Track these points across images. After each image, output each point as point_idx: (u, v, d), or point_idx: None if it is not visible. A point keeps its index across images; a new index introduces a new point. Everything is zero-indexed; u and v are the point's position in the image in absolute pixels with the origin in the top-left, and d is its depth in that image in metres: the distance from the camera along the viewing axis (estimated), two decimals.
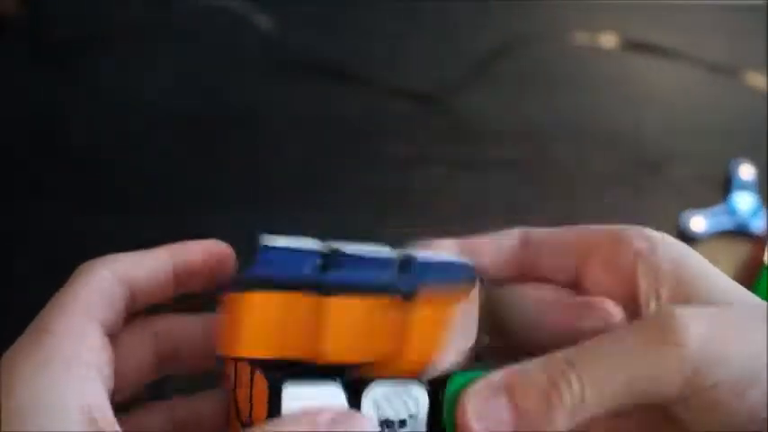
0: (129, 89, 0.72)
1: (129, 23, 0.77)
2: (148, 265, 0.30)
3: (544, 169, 0.67)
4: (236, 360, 0.28)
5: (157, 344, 0.31)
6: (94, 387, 0.26)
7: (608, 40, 0.74)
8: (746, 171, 0.66)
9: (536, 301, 0.30)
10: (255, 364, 0.26)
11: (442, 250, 0.30)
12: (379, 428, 0.26)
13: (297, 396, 0.25)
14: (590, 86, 0.74)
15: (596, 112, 0.72)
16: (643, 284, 0.28)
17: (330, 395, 0.26)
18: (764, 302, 0.27)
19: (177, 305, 0.32)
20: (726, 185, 0.66)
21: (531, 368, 0.26)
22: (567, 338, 0.27)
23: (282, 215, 0.61)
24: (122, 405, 0.29)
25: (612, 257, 0.29)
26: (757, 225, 0.63)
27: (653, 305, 0.28)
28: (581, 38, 0.74)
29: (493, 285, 0.30)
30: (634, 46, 0.73)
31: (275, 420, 0.25)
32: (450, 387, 0.27)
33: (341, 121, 0.71)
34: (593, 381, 0.25)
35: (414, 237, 0.30)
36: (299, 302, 0.25)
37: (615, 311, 0.29)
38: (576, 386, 0.25)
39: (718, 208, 0.64)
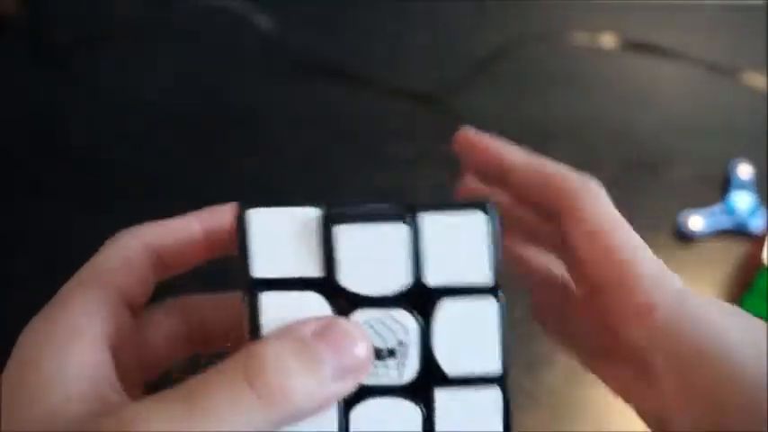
0: (129, 89, 0.72)
1: (129, 23, 0.77)
2: (177, 231, 0.30)
3: None
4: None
5: (187, 321, 0.31)
6: (98, 355, 0.26)
7: (608, 40, 0.74)
8: (745, 171, 0.66)
9: None
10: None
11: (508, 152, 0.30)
12: (365, 329, 0.26)
13: (276, 304, 0.25)
14: (590, 86, 0.74)
15: (596, 112, 0.72)
16: (666, 382, 0.27)
17: (311, 302, 0.25)
18: None
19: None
20: (724, 185, 0.66)
21: None
22: None
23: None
24: (152, 384, 0.29)
25: (630, 319, 0.28)
26: (756, 224, 0.64)
27: (682, 420, 0.27)
28: (581, 38, 0.74)
29: None
30: (634, 46, 0.73)
31: (262, 339, 0.25)
32: None
33: (341, 121, 0.71)
34: None
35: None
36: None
37: None
38: None
39: (717, 207, 0.64)
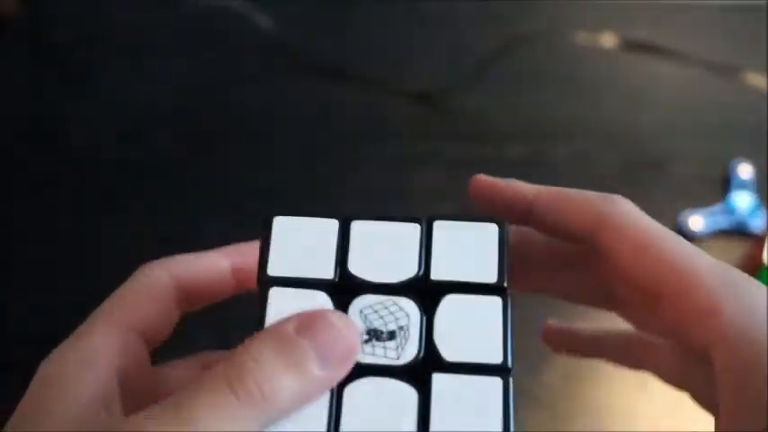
0: (129, 89, 0.72)
1: (129, 23, 0.77)
2: (205, 266, 0.31)
3: (544, 169, 0.67)
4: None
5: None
6: (106, 385, 0.27)
7: (608, 40, 0.74)
8: (745, 171, 0.66)
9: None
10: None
11: (521, 191, 0.30)
12: (362, 327, 0.26)
13: (283, 299, 0.26)
14: (590, 86, 0.74)
15: (596, 112, 0.72)
16: (722, 388, 0.26)
17: (316, 300, 0.26)
18: None
19: None
20: (725, 185, 0.66)
21: None
22: None
23: (282, 215, 0.61)
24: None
25: (689, 323, 0.27)
26: (756, 224, 0.64)
27: (731, 421, 0.26)
28: (581, 38, 0.74)
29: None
30: (634, 46, 0.73)
31: (246, 343, 0.25)
32: None
33: (341, 121, 0.71)
34: None
35: None
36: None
37: None
38: None
39: (717, 207, 0.64)
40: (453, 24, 0.78)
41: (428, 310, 0.27)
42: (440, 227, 0.28)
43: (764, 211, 0.64)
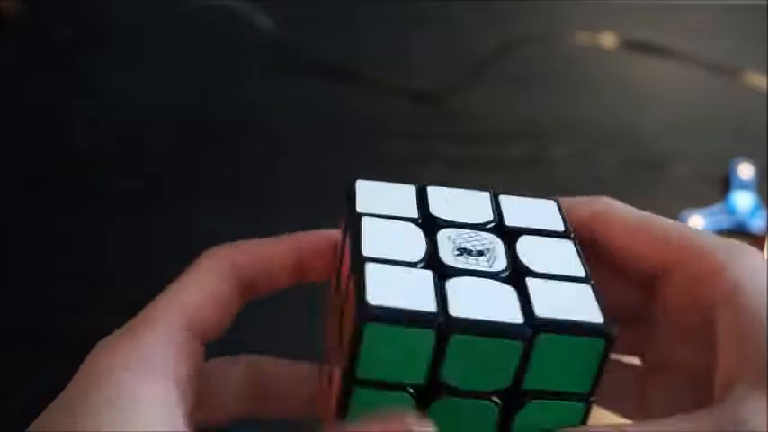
0: (129, 89, 0.72)
1: (129, 23, 0.77)
2: (266, 253, 0.30)
3: (544, 169, 0.67)
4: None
5: (252, 379, 0.31)
6: (171, 397, 0.26)
7: (608, 40, 0.74)
8: (746, 171, 0.66)
9: None
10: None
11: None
12: (452, 247, 0.27)
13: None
14: (590, 86, 0.74)
15: (596, 112, 0.72)
16: (722, 342, 0.27)
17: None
18: None
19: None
20: (725, 185, 0.66)
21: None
22: None
23: (282, 215, 0.61)
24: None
25: (693, 286, 0.28)
26: (756, 224, 0.64)
27: (727, 376, 0.27)
28: (581, 38, 0.74)
29: None
30: (634, 46, 0.73)
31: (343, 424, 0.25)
32: (530, 409, 0.26)
33: (341, 120, 0.71)
34: None
35: None
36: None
37: None
38: None
39: (717, 207, 0.64)
40: (453, 24, 0.78)
41: (509, 242, 0.28)
42: (504, 198, 0.30)
43: (765, 211, 0.64)
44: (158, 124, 0.70)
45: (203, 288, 0.29)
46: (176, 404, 0.26)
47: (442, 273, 0.26)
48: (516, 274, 0.27)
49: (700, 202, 0.64)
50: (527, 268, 0.27)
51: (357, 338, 0.24)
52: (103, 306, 0.49)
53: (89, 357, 0.27)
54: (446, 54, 0.76)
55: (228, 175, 0.67)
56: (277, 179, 0.67)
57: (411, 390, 0.25)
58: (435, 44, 0.77)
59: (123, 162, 0.68)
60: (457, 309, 0.25)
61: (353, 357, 0.25)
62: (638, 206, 0.31)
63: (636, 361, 0.33)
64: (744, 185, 0.65)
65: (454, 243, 0.28)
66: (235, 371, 0.31)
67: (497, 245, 0.28)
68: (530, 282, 0.26)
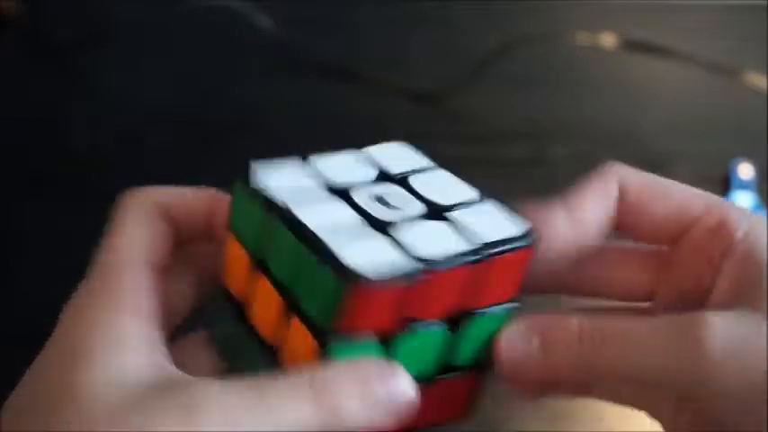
0: (129, 89, 0.72)
1: (129, 23, 0.77)
2: (183, 199, 0.32)
3: (544, 169, 0.67)
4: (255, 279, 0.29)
5: (196, 275, 0.32)
6: (151, 329, 0.27)
7: (608, 40, 0.74)
8: (746, 171, 0.66)
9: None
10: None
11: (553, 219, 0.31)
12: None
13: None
14: (590, 86, 0.74)
15: (596, 112, 0.72)
16: (723, 276, 0.29)
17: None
18: None
19: None
20: (725, 185, 0.66)
21: (570, 320, 0.28)
22: None
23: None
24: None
25: (707, 243, 0.30)
26: None
27: (719, 302, 0.28)
28: (581, 38, 0.74)
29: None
30: (634, 46, 0.73)
31: (331, 367, 0.26)
32: (474, 325, 0.28)
33: (341, 120, 0.71)
34: (615, 355, 0.27)
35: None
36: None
37: None
38: (600, 340, 0.27)
39: None
40: (453, 24, 0.78)
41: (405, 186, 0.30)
42: (371, 151, 0.34)
43: (765, 211, 0.64)
44: (158, 124, 0.70)
45: (144, 226, 0.30)
46: (157, 339, 0.27)
47: (379, 226, 0.28)
48: (438, 214, 0.29)
49: None
50: (439, 204, 0.29)
51: (342, 302, 0.25)
52: None
53: (65, 308, 0.28)
54: (446, 54, 0.76)
55: (228, 175, 0.67)
56: None
57: (377, 339, 0.27)
58: (435, 44, 0.77)
59: (123, 162, 0.68)
60: (422, 250, 0.26)
61: (337, 320, 0.26)
62: None
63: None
64: (744, 185, 0.65)
65: (369, 198, 0.29)
66: (183, 276, 0.31)
67: (402, 192, 0.30)
68: (454, 215, 0.29)
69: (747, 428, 0.26)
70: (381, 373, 0.26)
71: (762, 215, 0.30)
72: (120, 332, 0.26)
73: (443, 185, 0.31)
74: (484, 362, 0.29)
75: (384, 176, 0.31)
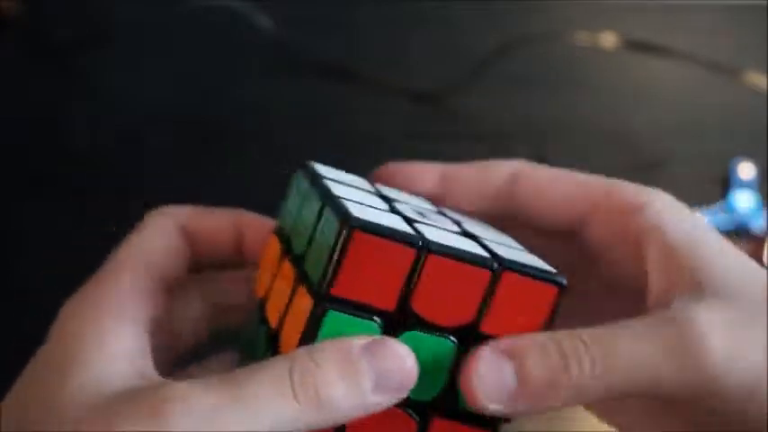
0: (129, 89, 0.72)
1: (129, 23, 0.77)
2: (208, 219, 0.32)
3: None
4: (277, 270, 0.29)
5: (211, 302, 0.31)
6: (138, 338, 0.27)
7: (608, 40, 0.74)
8: (746, 171, 0.66)
9: None
10: (329, 300, 0.26)
11: (424, 174, 0.33)
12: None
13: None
14: (590, 86, 0.74)
15: (596, 112, 0.72)
16: (653, 264, 0.28)
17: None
18: None
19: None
20: (725, 185, 0.66)
21: (543, 339, 0.26)
22: None
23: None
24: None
25: (616, 225, 0.30)
26: (757, 224, 0.63)
27: (662, 294, 0.28)
28: (581, 38, 0.74)
29: None
30: (634, 46, 0.73)
31: (310, 347, 0.25)
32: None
33: (341, 120, 0.71)
34: (604, 366, 0.25)
35: None
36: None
37: None
38: (586, 366, 0.25)
39: (718, 207, 0.64)
40: (453, 24, 0.78)
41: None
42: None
43: (765, 211, 0.64)
44: (158, 124, 0.70)
45: (157, 239, 0.30)
46: (143, 346, 0.27)
47: (409, 221, 0.27)
48: (468, 236, 0.28)
49: (700, 202, 0.64)
50: (476, 235, 0.29)
51: (340, 250, 0.25)
52: None
53: (61, 311, 0.28)
54: (446, 54, 0.76)
55: (228, 175, 0.67)
56: (276, 179, 0.67)
57: (378, 320, 0.26)
58: (435, 44, 0.77)
59: (123, 162, 0.68)
60: (433, 238, 0.26)
61: (333, 269, 0.25)
62: None
63: None
64: (743, 185, 0.65)
65: (411, 209, 0.29)
66: (192, 300, 0.31)
67: (445, 218, 0.30)
68: (483, 239, 0.28)
69: (752, 427, 0.26)
70: (368, 348, 0.25)
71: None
72: (104, 339, 0.26)
73: (502, 239, 0.30)
74: (494, 420, 0.27)
75: (443, 214, 0.31)
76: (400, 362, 0.25)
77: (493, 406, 0.25)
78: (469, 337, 0.26)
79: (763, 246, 0.60)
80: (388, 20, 0.78)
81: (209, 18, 0.76)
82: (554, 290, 0.27)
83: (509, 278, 0.26)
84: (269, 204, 0.68)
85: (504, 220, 0.32)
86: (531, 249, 0.29)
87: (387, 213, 0.27)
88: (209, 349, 0.32)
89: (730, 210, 0.64)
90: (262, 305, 0.30)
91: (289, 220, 0.30)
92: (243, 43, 0.75)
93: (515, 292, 0.26)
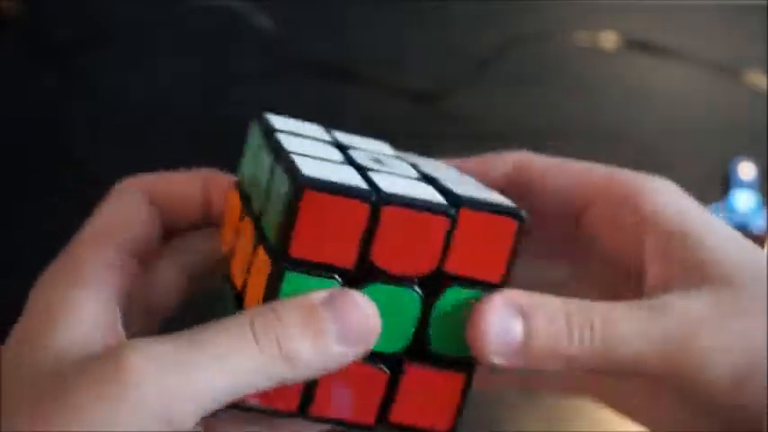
0: (129, 89, 0.72)
1: (129, 23, 0.77)
2: (177, 185, 0.33)
3: None
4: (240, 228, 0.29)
5: (187, 268, 0.31)
6: (104, 305, 0.27)
7: (608, 40, 0.74)
8: (746, 171, 0.66)
9: None
10: (289, 262, 0.25)
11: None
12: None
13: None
14: (590, 86, 0.74)
15: (596, 112, 0.72)
16: (651, 252, 0.29)
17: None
18: None
19: None
20: (725, 185, 0.66)
21: (554, 300, 0.26)
22: None
23: None
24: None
25: (616, 212, 0.30)
26: (757, 224, 0.64)
27: (659, 282, 0.28)
28: (581, 38, 0.74)
29: None
30: (634, 46, 0.73)
31: (271, 302, 0.25)
32: (448, 297, 0.27)
33: (341, 120, 0.71)
34: (607, 337, 0.26)
35: None
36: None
37: None
38: (590, 333, 0.26)
39: (717, 207, 0.64)
40: (453, 24, 0.78)
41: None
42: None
43: (765, 211, 0.64)
44: (158, 124, 0.70)
45: (125, 209, 0.30)
46: (111, 314, 0.27)
47: (363, 171, 0.27)
48: (426, 179, 0.28)
49: (699, 202, 0.64)
50: (434, 177, 0.28)
51: (293, 211, 0.25)
52: None
53: (32, 288, 0.28)
54: (446, 54, 0.76)
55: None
56: None
57: (339, 278, 0.26)
58: (435, 44, 0.77)
59: (123, 162, 0.68)
60: (387, 188, 0.26)
61: (288, 231, 0.25)
62: None
63: None
64: (743, 185, 0.65)
65: (366, 157, 0.29)
66: (170, 267, 0.31)
67: (403, 163, 0.30)
68: (441, 180, 0.28)
69: (749, 415, 0.26)
70: (329, 301, 0.25)
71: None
72: (70, 309, 0.26)
73: (461, 179, 0.29)
74: (463, 359, 0.27)
75: (400, 158, 0.31)
76: (362, 312, 0.25)
77: (495, 358, 0.26)
78: (434, 280, 0.26)
79: (762, 246, 0.60)
80: (388, 20, 0.78)
81: (209, 18, 0.76)
82: (513, 223, 0.26)
83: (467, 215, 0.26)
84: None
85: None
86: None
87: (340, 165, 0.27)
88: (191, 318, 0.32)
89: (730, 210, 0.64)
90: (227, 262, 0.30)
91: (246, 176, 0.31)
92: (243, 43, 0.75)
93: (475, 229, 0.26)
